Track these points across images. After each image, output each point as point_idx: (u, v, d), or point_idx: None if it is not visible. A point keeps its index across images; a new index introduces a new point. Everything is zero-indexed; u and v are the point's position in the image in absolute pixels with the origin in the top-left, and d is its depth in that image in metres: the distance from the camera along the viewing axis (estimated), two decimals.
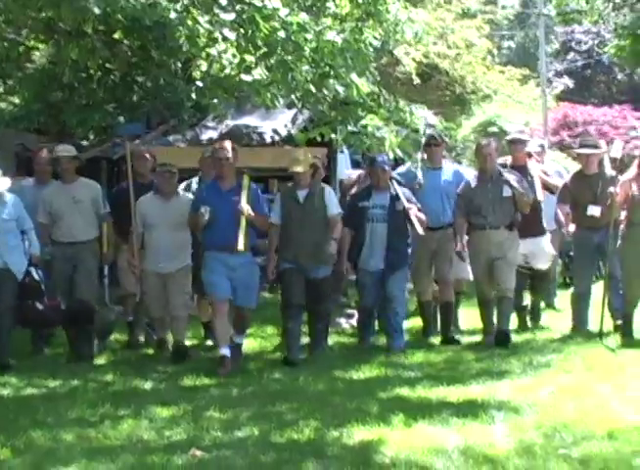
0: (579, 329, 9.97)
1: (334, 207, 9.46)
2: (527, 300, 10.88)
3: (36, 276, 9.30)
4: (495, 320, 9.78)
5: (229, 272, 8.96)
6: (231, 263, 8.95)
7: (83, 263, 9.71)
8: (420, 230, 9.46)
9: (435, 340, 10.07)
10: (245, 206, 8.87)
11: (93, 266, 9.84)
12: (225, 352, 8.86)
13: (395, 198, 9.61)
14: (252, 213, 8.90)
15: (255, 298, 9.29)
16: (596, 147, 10.18)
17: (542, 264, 10.53)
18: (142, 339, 10.42)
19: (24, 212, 9.36)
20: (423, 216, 9.57)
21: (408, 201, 9.56)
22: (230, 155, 9.06)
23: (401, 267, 9.70)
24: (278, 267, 9.40)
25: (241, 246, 8.80)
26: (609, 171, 10.18)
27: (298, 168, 9.34)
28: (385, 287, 9.64)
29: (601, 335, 9.52)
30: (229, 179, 9.10)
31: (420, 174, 10.29)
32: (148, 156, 10.41)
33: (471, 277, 10.23)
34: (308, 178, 9.46)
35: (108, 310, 10.11)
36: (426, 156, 10.40)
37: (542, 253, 10.47)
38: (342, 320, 11.29)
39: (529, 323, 10.70)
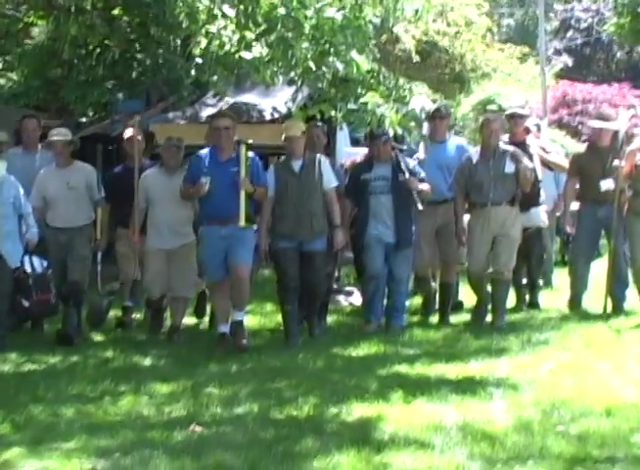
0: (574, 306, 10.10)
1: (331, 179, 9.22)
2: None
3: (28, 268, 9.10)
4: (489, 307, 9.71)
5: (222, 243, 8.70)
6: (223, 233, 8.68)
7: (76, 249, 9.56)
8: (420, 206, 9.26)
9: (434, 318, 10.07)
10: (245, 180, 8.62)
11: (86, 251, 9.67)
12: (225, 329, 8.77)
13: (397, 168, 9.39)
14: (252, 188, 8.70)
15: (250, 257, 8.87)
16: (610, 120, 10.11)
17: (537, 222, 10.43)
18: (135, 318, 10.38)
19: (22, 196, 9.12)
20: (426, 187, 9.40)
21: (411, 173, 9.35)
22: (229, 124, 8.87)
23: (406, 247, 9.50)
24: (271, 245, 9.15)
25: (242, 222, 8.59)
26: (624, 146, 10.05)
27: (291, 132, 9.13)
28: (389, 266, 9.50)
29: (605, 315, 9.50)
30: (227, 150, 8.83)
31: (421, 149, 10.23)
32: (139, 138, 10.08)
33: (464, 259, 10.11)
34: (302, 146, 9.18)
35: (100, 298, 9.97)
36: (430, 129, 10.26)
37: (538, 218, 10.42)
38: (342, 298, 11.29)
39: (527, 301, 10.66)
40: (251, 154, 8.81)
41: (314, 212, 9.07)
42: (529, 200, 9.90)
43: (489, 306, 9.72)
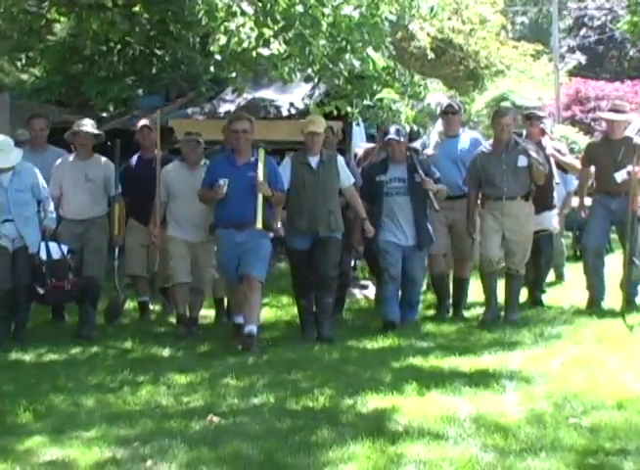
0: (596, 303, 9.78)
1: (348, 176, 9.07)
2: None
3: (43, 255, 8.83)
4: (502, 301, 9.52)
5: (238, 249, 8.47)
6: (239, 240, 8.46)
7: (92, 241, 9.40)
8: (437, 206, 9.11)
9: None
10: (263, 184, 8.44)
11: (102, 244, 9.50)
12: (240, 320, 8.59)
13: (414, 169, 9.19)
14: (271, 193, 8.50)
15: (265, 269, 8.61)
16: (623, 112, 9.96)
17: (548, 225, 10.28)
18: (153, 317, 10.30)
19: (40, 181, 8.96)
20: (443, 187, 9.24)
21: (426, 173, 9.16)
22: (247, 127, 8.65)
23: (424, 248, 9.32)
24: (287, 243, 9.09)
25: (259, 224, 8.40)
26: (636, 139, 9.86)
27: (313, 128, 8.92)
28: (405, 265, 9.27)
29: (623, 313, 9.24)
30: (245, 153, 8.63)
31: (432, 144, 10.06)
32: (151, 126, 9.98)
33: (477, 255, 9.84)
34: (321, 143, 8.99)
35: (117, 294, 9.74)
36: (443, 124, 10.13)
37: (550, 221, 10.34)
38: (357, 291, 11.29)
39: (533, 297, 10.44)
40: (270, 159, 8.76)
41: (331, 210, 8.89)
42: (543, 202, 9.82)
43: (495, 302, 9.51)
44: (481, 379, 6.96)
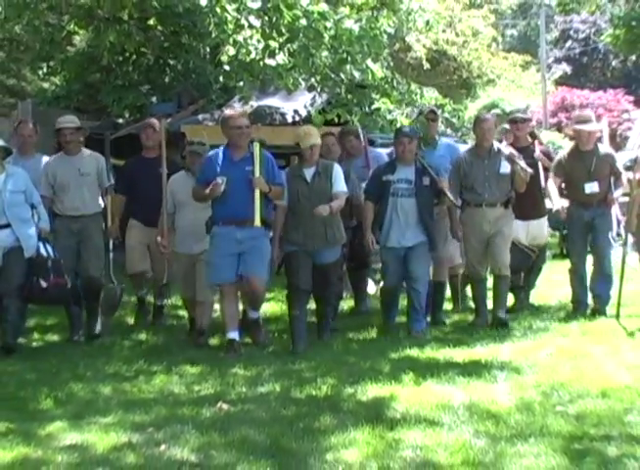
0: (579, 308, 9.17)
1: (340, 184, 8.24)
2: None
3: (44, 252, 8.20)
4: (491, 303, 8.98)
5: (238, 246, 7.82)
6: (239, 237, 7.80)
7: (91, 239, 8.74)
8: (455, 200, 8.63)
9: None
10: (260, 179, 7.78)
11: (100, 242, 8.87)
12: (234, 335, 7.93)
13: (422, 172, 8.55)
14: (268, 188, 7.83)
15: (267, 269, 8.08)
16: (593, 123, 9.32)
17: (542, 240, 9.78)
18: (150, 319, 9.51)
19: (32, 186, 8.33)
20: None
21: (437, 174, 8.58)
22: (247, 123, 8.08)
23: (431, 249, 8.68)
24: (284, 248, 8.31)
25: (258, 222, 7.76)
26: (603, 149, 9.38)
27: (312, 141, 8.18)
28: (407, 266, 8.60)
29: (618, 315, 8.79)
30: (244, 148, 7.94)
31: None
32: (156, 126, 9.40)
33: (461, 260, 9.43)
34: (317, 154, 8.27)
35: (113, 287, 9.10)
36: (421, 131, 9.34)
37: (542, 233, 9.78)
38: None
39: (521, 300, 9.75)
40: (266, 153, 8.03)
41: (327, 222, 8.15)
42: (535, 209, 9.38)
43: (485, 308, 9.00)
44: (474, 369, 6.95)
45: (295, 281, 8.21)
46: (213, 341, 8.53)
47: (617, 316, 8.75)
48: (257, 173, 7.79)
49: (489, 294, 9.10)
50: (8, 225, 8.08)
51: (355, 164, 9.56)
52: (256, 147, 7.88)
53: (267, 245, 8.04)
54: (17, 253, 8.07)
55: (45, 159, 9.10)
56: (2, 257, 8.06)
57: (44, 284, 8.10)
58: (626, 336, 8.07)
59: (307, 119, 13.33)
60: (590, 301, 9.27)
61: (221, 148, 8.10)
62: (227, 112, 8.35)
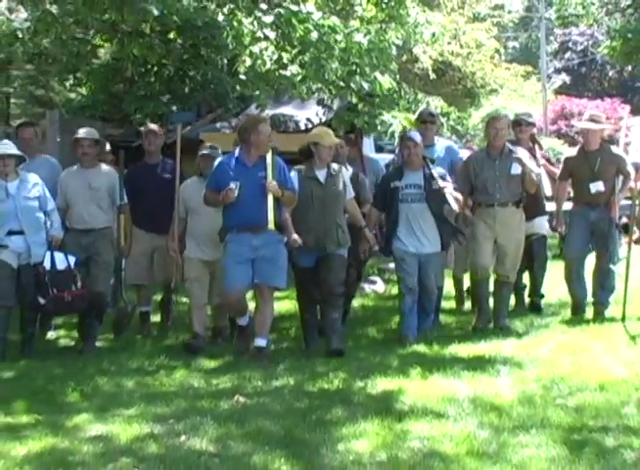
0: (578, 312, 8.78)
1: (349, 190, 7.99)
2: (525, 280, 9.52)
3: (47, 264, 7.71)
4: (492, 308, 8.59)
5: (253, 252, 7.36)
6: (255, 243, 7.34)
7: (100, 255, 8.21)
8: (455, 206, 8.06)
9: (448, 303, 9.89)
10: (273, 184, 7.34)
11: (110, 258, 8.32)
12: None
13: (430, 177, 8.08)
14: (281, 193, 7.38)
15: (284, 277, 7.56)
16: (599, 122, 8.87)
17: (541, 231, 9.25)
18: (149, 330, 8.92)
19: (46, 192, 7.95)
20: (459, 196, 8.21)
21: (442, 179, 8.12)
22: (270, 129, 7.63)
23: (441, 253, 8.30)
24: (295, 261, 7.84)
25: (271, 225, 7.32)
26: (613, 150, 8.86)
27: (325, 141, 7.84)
28: (422, 276, 8.15)
29: (623, 318, 8.32)
30: (260, 154, 7.46)
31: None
32: (158, 131, 8.87)
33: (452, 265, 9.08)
34: (330, 155, 7.92)
35: (125, 306, 8.69)
36: (419, 133, 8.72)
37: (542, 225, 9.28)
38: (366, 286, 11.21)
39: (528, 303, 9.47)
40: (278, 159, 7.56)
41: (339, 224, 7.83)
42: (534, 208, 8.84)
43: (487, 309, 8.63)
44: (478, 364, 6.94)
45: (304, 292, 8.02)
46: (231, 338, 8.48)
47: (623, 319, 8.33)
48: (270, 178, 7.37)
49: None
50: (22, 232, 7.77)
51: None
52: (269, 153, 7.49)
53: (283, 251, 7.55)
54: (29, 267, 7.77)
55: (49, 158, 8.87)
56: (18, 266, 7.76)
57: (42, 301, 7.69)
58: (625, 334, 7.98)
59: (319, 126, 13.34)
60: (590, 299, 8.93)
61: (233, 153, 7.65)
62: (256, 116, 7.82)
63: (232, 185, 7.26)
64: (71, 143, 8.51)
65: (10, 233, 7.73)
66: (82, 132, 8.37)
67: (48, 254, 7.76)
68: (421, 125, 9.16)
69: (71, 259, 7.89)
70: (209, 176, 7.72)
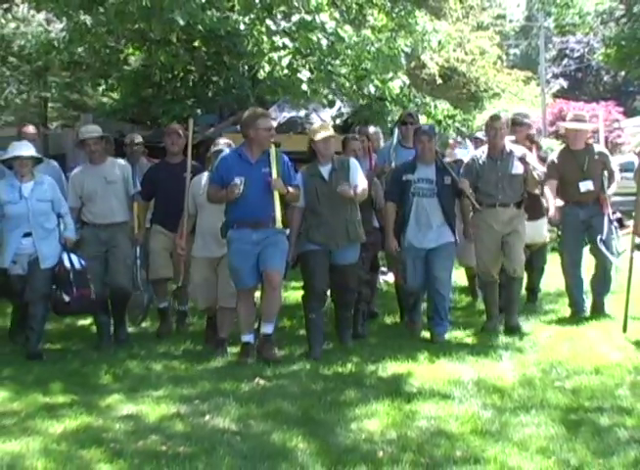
0: (578, 313, 8.22)
1: (358, 179, 7.21)
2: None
3: (67, 264, 7.29)
4: (502, 305, 7.96)
5: (255, 247, 6.83)
6: (255, 238, 6.82)
7: (119, 248, 7.77)
8: (478, 206, 7.62)
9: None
10: (278, 181, 6.86)
11: (128, 250, 7.92)
12: (249, 338, 7.02)
13: (443, 171, 7.61)
14: (286, 190, 6.90)
15: (283, 264, 6.98)
16: (584, 122, 8.33)
17: (540, 239, 8.83)
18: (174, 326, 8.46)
19: (60, 195, 7.55)
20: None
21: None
22: (273, 125, 7.15)
23: (450, 246, 7.64)
24: (301, 248, 7.24)
25: (279, 223, 6.85)
26: (597, 148, 8.32)
27: (320, 136, 7.20)
28: (430, 268, 7.57)
29: (625, 325, 7.41)
30: (263, 150, 6.94)
31: (392, 154, 8.39)
32: (180, 132, 8.34)
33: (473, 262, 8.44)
34: (331, 149, 7.28)
35: (141, 294, 8.34)
36: (400, 134, 8.52)
37: (541, 233, 8.81)
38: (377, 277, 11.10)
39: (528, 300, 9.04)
40: (282, 155, 7.06)
41: (349, 219, 7.18)
42: (533, 210, 8.25)
43: (496, 311, 8.00)
44: (482, 349, 6.94)
45: (311, 281, 7.18)
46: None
47: (625, 329, 7.40)
48: (275, 175, 6.86)
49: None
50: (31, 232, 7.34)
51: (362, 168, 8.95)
52: (272, 149, 6.97)
53: (284, 241, 7.02)
54: (39, 262, 7.30)
55: (49, 161, 8.51)
56: (28, 265, 7.32)
57: (67, 298, 7.23)
58: (618, 321, 7.83)
59: (333, 128, 13.34)
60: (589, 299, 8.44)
61: (235, 149, 7.20)
62: (255, 111, 7.14)
63: (237, 180, 6.76)
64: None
65: (25, 235, 7.32)
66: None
67: (65, 254, 7.34)
68: (401, 127, 8.62)
69: (82, 261, 7.45)
70: (213, 172, 7.19)
